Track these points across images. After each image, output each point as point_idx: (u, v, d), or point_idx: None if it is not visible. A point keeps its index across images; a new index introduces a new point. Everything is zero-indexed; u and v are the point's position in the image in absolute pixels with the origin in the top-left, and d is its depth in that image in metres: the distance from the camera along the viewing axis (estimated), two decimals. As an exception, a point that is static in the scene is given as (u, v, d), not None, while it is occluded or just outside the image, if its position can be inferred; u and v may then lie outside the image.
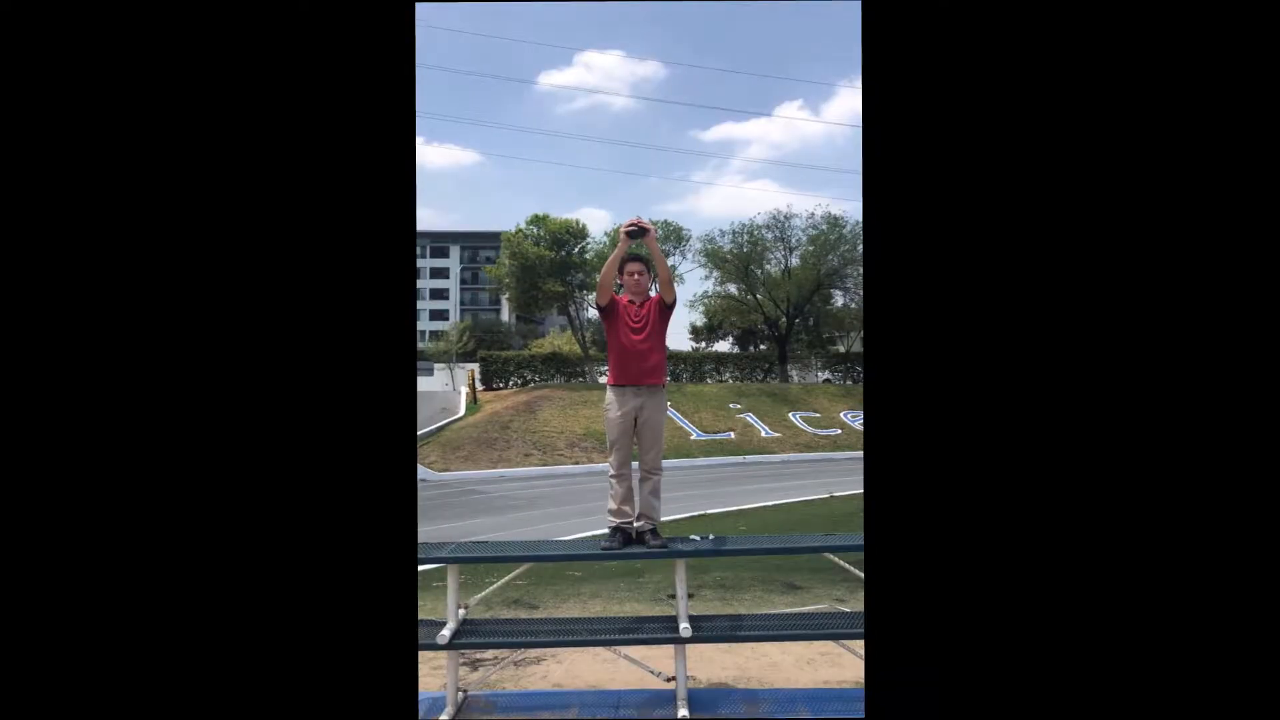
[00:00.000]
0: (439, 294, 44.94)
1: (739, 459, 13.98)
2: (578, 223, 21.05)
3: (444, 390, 20.20)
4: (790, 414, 16.64)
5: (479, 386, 18.54)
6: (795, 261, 21.71)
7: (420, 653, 2.70)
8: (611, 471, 2.95)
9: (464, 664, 2.98)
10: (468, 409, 16.61)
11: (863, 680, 3.02)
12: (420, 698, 2.73)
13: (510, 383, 19.54)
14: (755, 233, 21.49)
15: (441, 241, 45.61)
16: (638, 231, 2.81)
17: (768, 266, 21.89)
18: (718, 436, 15.16)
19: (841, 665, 2.95)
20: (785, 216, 21.66)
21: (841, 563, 2.89)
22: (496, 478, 12.21)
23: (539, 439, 14.33)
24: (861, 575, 2.94)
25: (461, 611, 2.80)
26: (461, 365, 23.10)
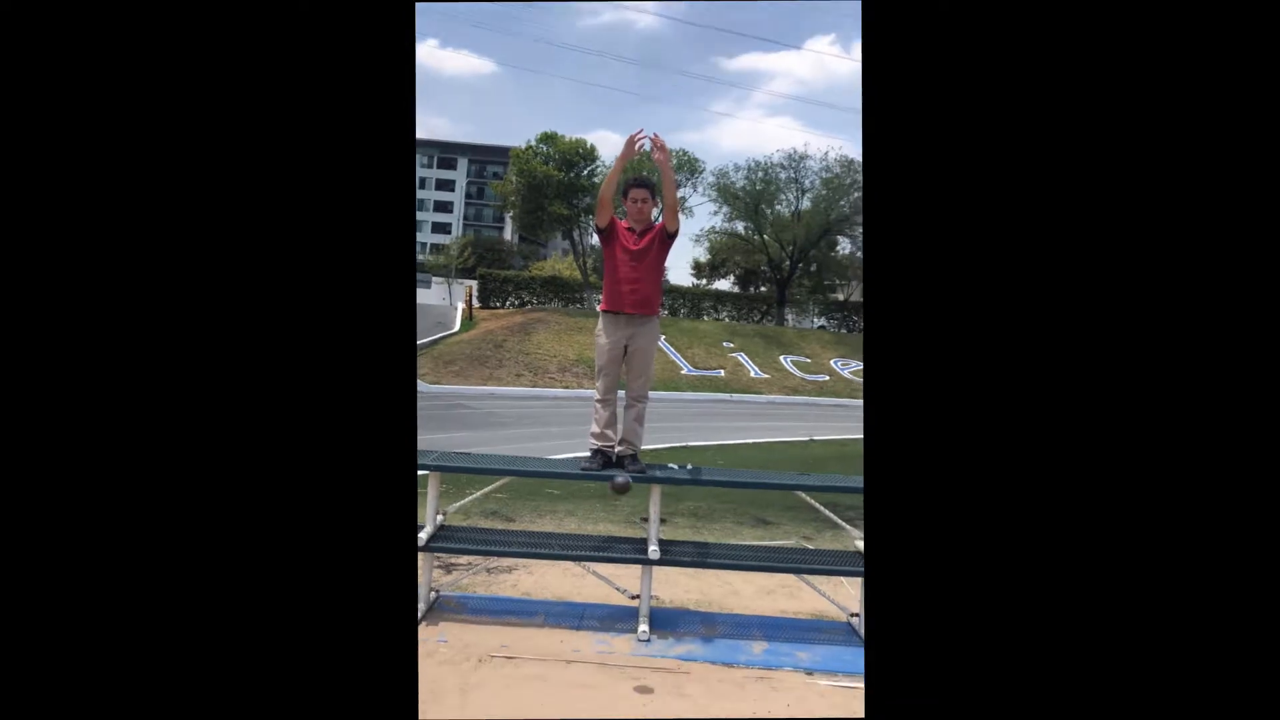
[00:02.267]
0: (443, 206, 44.05)
1: (725, 396, 14.15)
2: (587, 144, 20.45)
3: (440, 304, 20.13)
4: (782, 357, 16.73)
5: (475, 304, 18.46)
6: (806, 204, 21.29)
7: (397, 551, 2.79)
8: (597, 396, 2.98)
9: (438, 567, 3.10)
10: (463, 325, 16.61)
11: (817, 612, 3.14)
12: (395, 593, 2.85)
13: (507, 303, 19.45)
14: (769, 171, 20.97)
15: (449, 153, 44.35)
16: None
17: (778, 207, 21.48)
18: (708, 373, 15.28)
19: (799, 598, 3.08)
20: (801, 156, 21.11)
21: (813, 502, 2.98)
22: (486, 395, 12.34)
23: (531, 361, 14.41)
24: (831, 515, 3.03)
25: (439, 518, 2.89)
26: (460, 281, 22.93)
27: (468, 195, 44.94)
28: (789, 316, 21.51)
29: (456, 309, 18.42)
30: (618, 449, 2.96)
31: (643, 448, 3.00)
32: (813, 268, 22.72)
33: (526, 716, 1.28)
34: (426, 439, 6.70)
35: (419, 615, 2.64)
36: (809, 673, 2.44)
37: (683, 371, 15.11)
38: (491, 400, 11.72)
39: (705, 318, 20.26)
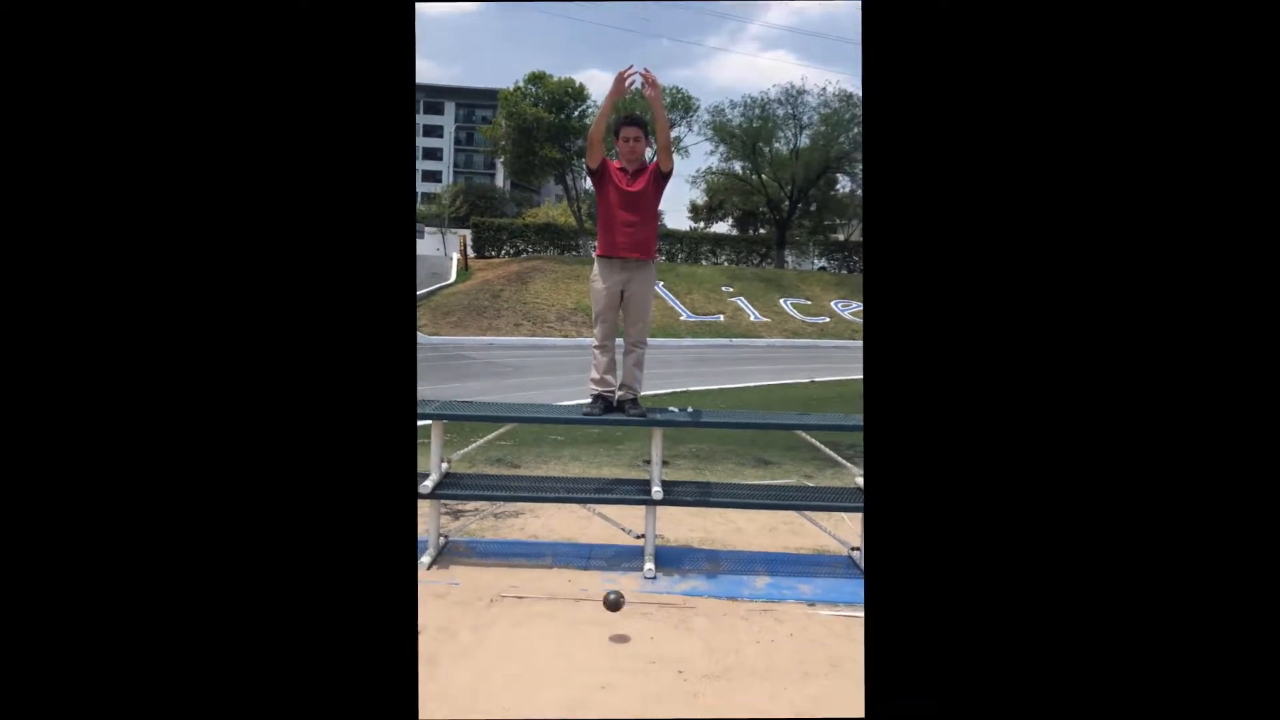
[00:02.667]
0: (432, 154, 42.99)
1: (725, 341, 14.16)
2: (576, 84, 19.81)
3: (435, 255, 19.90)
4: (782, 300, 16.65)
5: (470, 253, 18.25)
6: (805, 141, 20.77)
7: (404, 500, 2.84)
8: (595, 343, 2.97)
9: (445, 513, 3.15)
10: (459, 275, 16.46)
11: (818, 547, 3.21)
12: (404, 539, 2.91)
13: (502, 251, 19.22)
14: (766, 107, 20.37)
15: (436, 97, 43.01)
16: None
17: (776, 145, 20.97)
18: (707, 319, 15.24)
19: (801, 534, 3.15)
20: (798, 91, 20.46)
21: (814, 441, 3.01)
22: (486, 345, 12.34)
23: (529, 310, 14.35)
24: (831, 453, 3.06)
25: (444, 465, 2.92)
26: (453, 231, 22.60)
27: (456, 141, 43.85)
28: (789, 258, 21.29)
29: (451, 259, 18.21)
30: (618, 394, 2.97)
31: (643, 394, 3.01)
32: (812, 207, 22.36)
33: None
34: (429, 390, 6.74)
35: (429, 561, 2.71)
36: (811, 604, 2.52)
37: (682, 318, 15.07)
38: (491, 350, 11.73)
39: (703, 262, 20.06)
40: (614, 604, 2.20)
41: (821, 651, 2.19)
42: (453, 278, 16.30)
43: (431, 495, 2.75)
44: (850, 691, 1.93)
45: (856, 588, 2.60)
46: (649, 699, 1.90)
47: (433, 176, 41.29)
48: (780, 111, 20.51)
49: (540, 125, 19.27)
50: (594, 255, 2.95)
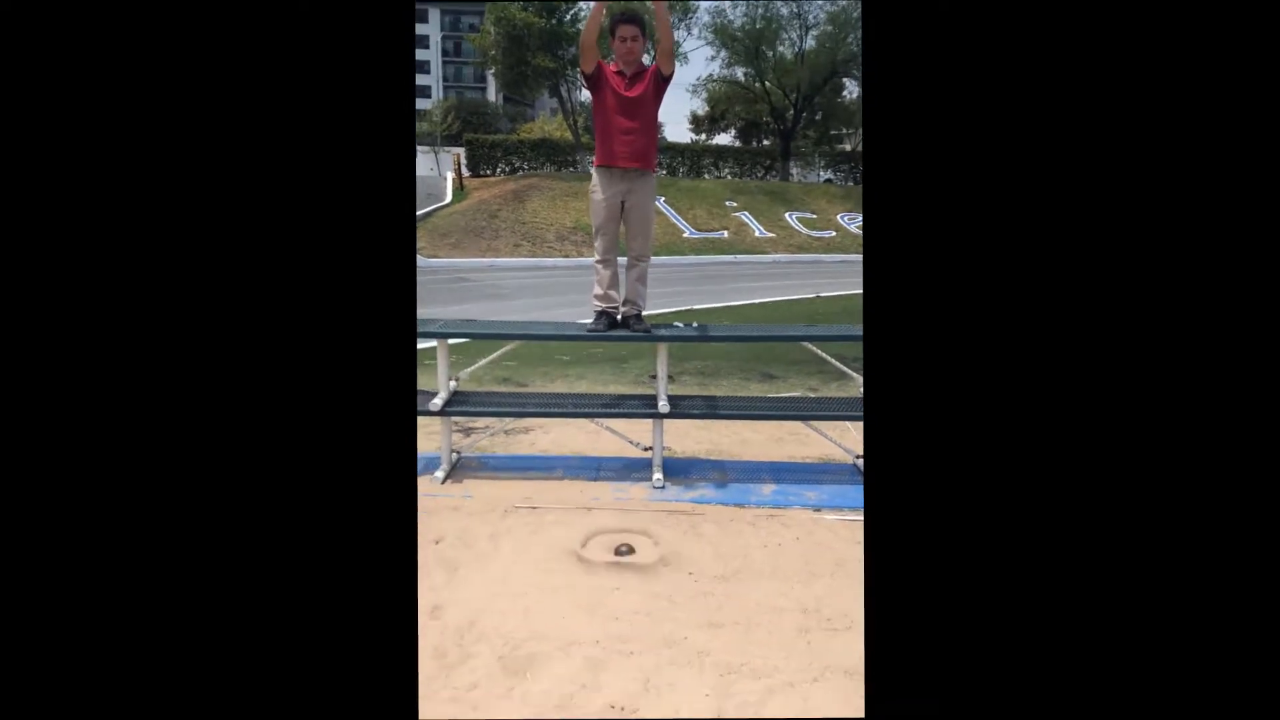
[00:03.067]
0: (419, 67, 41.08)
1: (729, 258, 13.96)
2: (566, -18, 18.60)
3: (429, 175, 19.30)
4: (787, 214, 16.29)
5: (465, 172, 17.73)
6: (810, 43, 19.71)
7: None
8: (597, 257, 2.91)
9: (457, 431, 3.20)
10: (454, 196, 16.07)
11: (824, 456, 3.27)
12: (417, 457, 2.98)
13: (498, 170, 18.66)
14: (770, 7, 19.20)
15: (421, 3, 40.63)
16: None
17: (780, 48, 19.92)
18: (711, 235, 14.98)
19: (807, 444, 3.20)
20: (805, -12, 19.24)
21: (820, 352, 3.00)
22: (486, 267, 12.21)
23: (528, 230, 14.10)
24: (837, 364, 3.06)
25: (452, 384, 2.94)
26: (446, 149, 21.85)
27: (444, 52, 41.75)
28: (794, 171, 20.65)
29: (446, 179, 17.71)
30: (622, 310, 2.95)
31: (646, 313, 2.99)
32: (818, 116, 21.48)
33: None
34: (431, 311, 6.72)
35: (443, 476, 2.77)
36: (817, 509, 2.59)
37: (684, 235, 14.80)
38: (491, 272, 11.62)
39: (706, 176, 19.49)
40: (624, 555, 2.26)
41: (828, 554, 2.27)
42: (448, 198, 15.92)
43: (441, 413, 2.78)
44: (854, 589, 2.00)
45: (861, 493, 2.67)
46: (660, 598, 1.99)
47: (422, 92, 39.60)
48: (785, 11, 19.37)
49: (531, 31, 18.25)
50: (592, 168, 2.85)
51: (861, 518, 2.67)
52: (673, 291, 8.58)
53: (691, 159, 20.11)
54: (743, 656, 1.75)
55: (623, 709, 1.56)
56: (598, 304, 2.94)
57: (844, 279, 9.91)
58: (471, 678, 1.65)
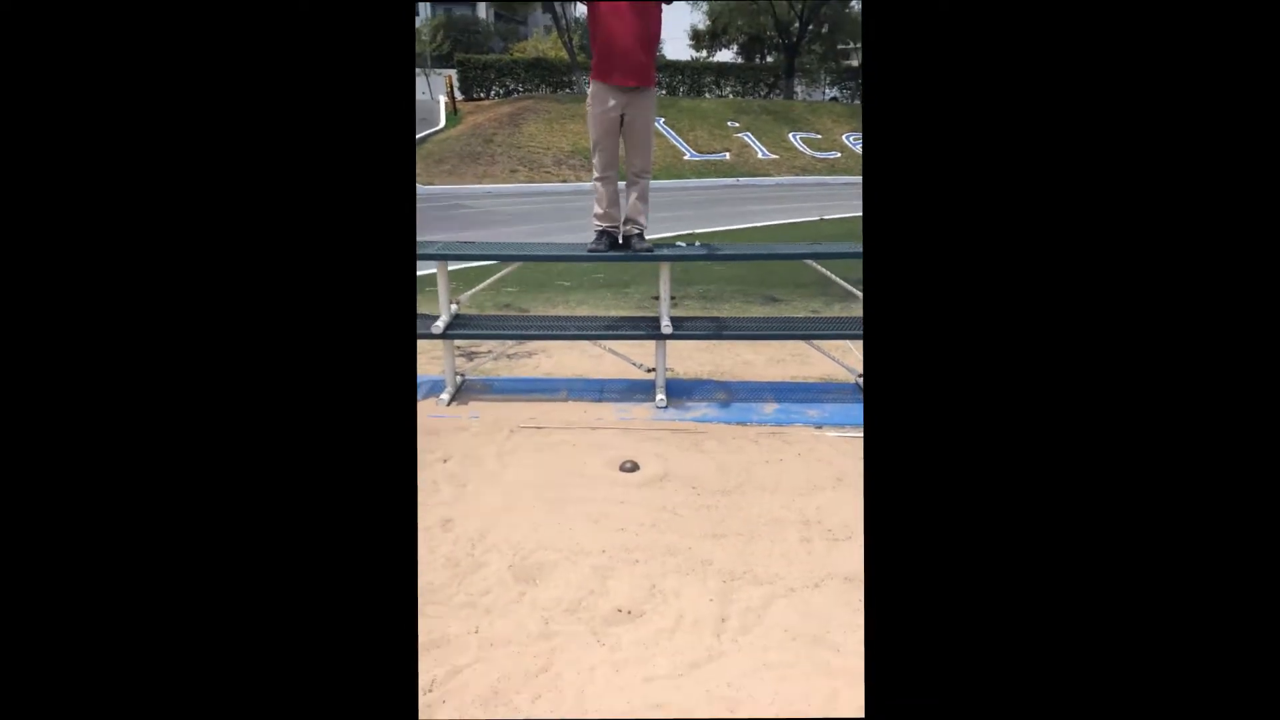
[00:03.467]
0: (403, -20, 38.70)
1: (731, 180, 13.61)
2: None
3: (422, 99, 18.56)
4: (790, 134, 15.75)
5: (458, 95, 17.04)
6: (818, -52, 18.52)
7: (418, 342, 2.88)
8: (596, 174, 2.82)
9: (460, 355, 3.20)
10: (448, 120, 15.51)
11: (826, 376, 3.28)
12: (421, 380, 2.99)
13: (491, 92, 17.93)
14: (775, -93, 17.93)
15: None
16: None
17: (786, -47, 18.74)
18: (712, 157, 14.54)
19: (810, 365, 3.21)
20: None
21: (826, 272, 2.96)
22: (483, 193, 11.93)
23: (524, 155, 13.69)
24: (842, 283, 3.03)
25: (453, 307, 2.92)
26: (437, 71, 20.94)
27: (431, -35, 39.37)
28: (798, 89, 19.82)
29: (439, 102, 17.04)
30: (623, 229, 2.89)
31: (647, 236, 2.92)
32: (824, 29, 20.41)
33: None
34: (430, 239, 6.62)
35: (448, 399, 2.79)
36: (818, 426, 2.62)
37: (685, 157, 14.37)
38: (489, 199, 11.37)
39: (707, 95, 18.72)
40: (630, 468, 2.29)
41: (828, 469, 2.31)
42: (442, 123, 15.37)
43: (444, 335, 2.77)
44: (854, 501, 2.05)
45: (862, 411, 2.69)
46: (664, 511, 2.03)
47: (408, 8, 37.48)
48: (792, -89, 18.08)
49: (522, -62, 17.13)
50: (588, 83, 2.72)
51: (861, 434, 2.71)
52: (674, 216, 8.41)
53: (692, 77, 19.25)
54: (745, 564, 1.80)
55: (630, 612, 1.62)
56: (598, 223, 2.88)
57: (849, 201, 9.68)
58: (484, 584, 1.71)
